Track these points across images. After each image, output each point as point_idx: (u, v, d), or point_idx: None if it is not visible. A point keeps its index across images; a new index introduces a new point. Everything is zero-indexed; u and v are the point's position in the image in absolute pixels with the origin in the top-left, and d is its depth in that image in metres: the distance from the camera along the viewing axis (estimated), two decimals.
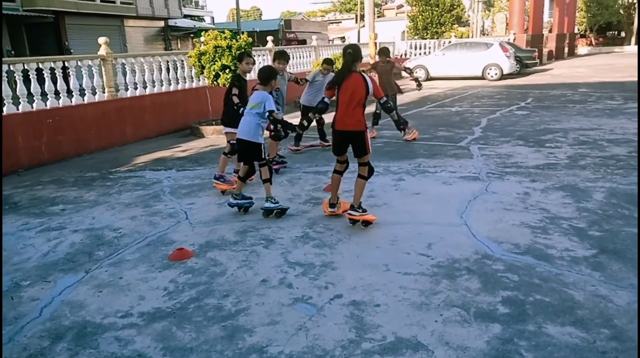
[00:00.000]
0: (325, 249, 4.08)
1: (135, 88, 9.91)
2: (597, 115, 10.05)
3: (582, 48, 43.53)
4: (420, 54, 23.99)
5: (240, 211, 5.08)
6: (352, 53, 4.49)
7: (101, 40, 9.19)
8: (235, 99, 5.47)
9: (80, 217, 5.23)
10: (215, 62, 9.79)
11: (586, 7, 45.96)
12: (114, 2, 25.18)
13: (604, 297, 3.16)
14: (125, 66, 9.80)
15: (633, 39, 46.65)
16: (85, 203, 5.76)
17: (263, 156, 4.98)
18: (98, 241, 4.51)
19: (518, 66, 19.91)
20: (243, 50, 10.03)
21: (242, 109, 5.17)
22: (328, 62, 7.73)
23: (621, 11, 47.01)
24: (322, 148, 8.00)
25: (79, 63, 8.86)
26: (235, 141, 5.21)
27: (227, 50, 9.82)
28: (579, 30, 43.88)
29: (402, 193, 5.53)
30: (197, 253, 4.12)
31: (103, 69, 9.23)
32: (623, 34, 50.46)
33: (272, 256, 3.99)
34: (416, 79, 8.90)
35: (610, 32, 51.73)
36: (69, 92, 8.66)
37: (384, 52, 8.81)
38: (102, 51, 9.18)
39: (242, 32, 11.60)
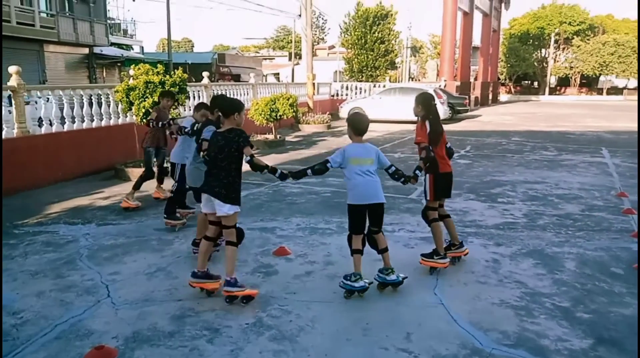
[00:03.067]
0: (285, 343, 3.35)
1: (51, 124, 8.77)
2: (537, 167, 10.13)
3: (503, 95, 46.30)
4: (352, 94, 24.20)
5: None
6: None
7: (12, 69, 8.04)
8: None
9: None
10: (146, 99, 8.91)
11: (506, 57, 49.27)
12: (32, 25, 23.38)
13: None
14: (41, 100, 8.66)
15: (547, 90, 50.41)
16: None
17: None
18: None
19: (450, 112, 20.39)
20: (178, 86, 9.29)
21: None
22: (204, 106, 5.49)
23: (535, 64, 50.82)
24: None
25: None
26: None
27: (160, 86, 9.00)
28: (499, 79, 46.71)
29: (363, 259, 4.90)
30: (122, 351, 3.24)
31: (14, 101, 8.07)
32: (536, 84, 54.52)
33: (220, 356, 3.20)
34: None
35: (526, 82, 55.76)
36: None
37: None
38: (13, 82, 8.03)
39: (177, 68, 10.80)
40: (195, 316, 3.74)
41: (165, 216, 5.86)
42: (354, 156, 4.10)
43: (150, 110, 8.86)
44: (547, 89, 50.78)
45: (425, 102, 4.60)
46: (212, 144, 3.97)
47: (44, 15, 24.71)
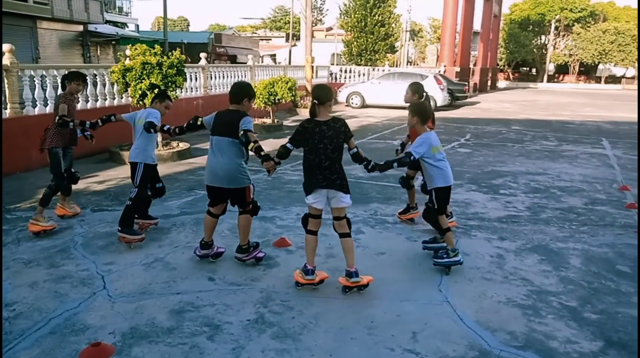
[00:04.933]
0: (288, 342, 3.25)
1: (46, 104, 8.55)
2: (538, 157, 10.02)
3: (501, 82, 46.03)
4: (350, 78, 23.91)
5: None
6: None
7: (5, 47, 7.80)
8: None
9: None
10: (143, 81, 8.72)
11: (505, 44, 48.84)
12: (26, 1, 22.82)
13: None
14: (35, 79, 8.43)
15: (545, 77, 50.13)
16: None
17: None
18: None
19: (450, 98, 20.21)
20: (175, 68, 9.05)
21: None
22: (167, 97, 5.35)
23: (535, 50, 50.44)
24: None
25: None
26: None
27: (157, 68, 8.79)
28: (498, 65, 46.38)
29: (365, 252, 4.81)
30: (119, 348, 3.13)
31: (6, 81, 7.84)
32: (534, 71, 54.20)
33: (221, 355, 3.10)
34: None
35: (524, 69, 55.42)
36: None
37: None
38: (6, 60, 7.80)
39: (175, 48, 10.54)
40: (194, 311, 3.63)
41: (119, 229, 4.71)
42: (436, 144, 4.34)
43: (148, 92, 8.64)
44: (545, 77, 50.53)
45: (420, 91, 5.27)
46: (313, 134, 3.78)
47: None
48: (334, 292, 3.98)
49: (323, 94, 3.87)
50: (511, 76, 52.77)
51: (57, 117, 5.03)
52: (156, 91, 8.65)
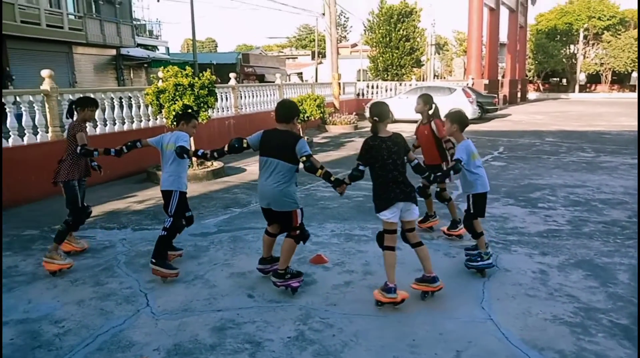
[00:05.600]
0: None
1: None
2: (576, 169, 9.80)
3: (531, 93, 45.35)
4: (377, 94, 23.94)
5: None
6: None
7: (45, 73, 8.12)
8: None
9: (13, 300, 4.15)
10: (176, 102, 8.93)
11: (533, 54, 48.23)
12: (61, 28, 23.75)
13: None
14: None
15: (576, 87, 49.20)
16: (20, 276, 4.67)
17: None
18: (34, 342, 3.47)
19: (479, 111, 20.01)
20: (206, 88, 9.24)
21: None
22: (194, 116, 5.06)
23: (564, 60, 49.64)
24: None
25: (18, 98, 7.75)
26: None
27: (189, 89, 9.00)
28: (527, 76, 45.78)
29: (403, 268, 4.74)
30: None
31: (47, 105, 8.14)
32: (564, 81, 53.27)
33: None
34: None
35: (554, 79, 54.53)
36: (5, 132, 7.51)
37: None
38: (46, 86, 8.10)
39: (205, 69, 10.77)
40: (236, 328, 3.65)
41: (153, 261, 4.44)
42: (474, 151, 4.52)
43: (176, 110, 8.74)
44: (576, 87, 49.58)
45: (430, 102, 5.70)
46: (381, 150, 3.91)
47: (72, 17, 25.08)
48: (374, 310, 3.95)
49: (383, 112, 4.01)
50: (541, 87, 51.97)
51: (79, 147, 4.73)
52: (189, 111, 8.87)
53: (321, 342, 3.46)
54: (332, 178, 4.01)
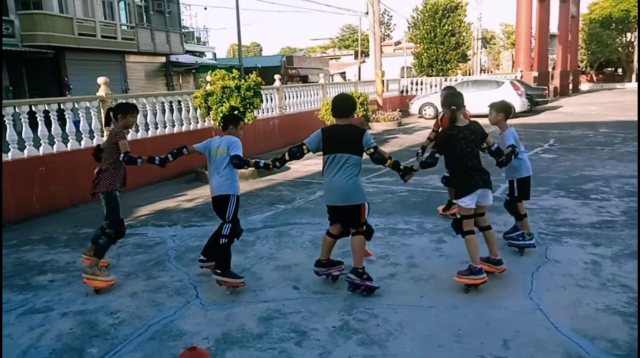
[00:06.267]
0: (374, 348, 3.26)
1: (137, 131, 9.21)
2: (631, 160, 9.36)
3: (583, 84, 43.55)
4: (422, 90, 23.62)
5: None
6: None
7: (100, 80, 8.54)
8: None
9: (71, 293, 4.40)
10: (223, 104, 9.16)
11: (586, 44, 46.28)
12: (115, 38, 24.83)
13: None
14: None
15: (633, 76, 46.85)
16: (77, 271, 4.92)
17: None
18: (91, 332, 3.67)
19: (529, 104, 19.41)
20: (252, 90, 9.44)
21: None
22: (241, 119, 4.76)
23: (620, 49, 47.37)
24: None
25: (76, 105, 8.19)
26: None
27: (236, 91, 9.22)
28: (579, 67, 43.98)
29: (447, 261, 4.73)
30: (214, 353, 3.29)
31: (102, 110, 8.55)
32: (620, 70, 50.79)
33: None
34: None
35: (609, 69, 52.12)
36: (64, 137, 7.95)
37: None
38: (102, 92, 8.52)
39: (251, 72, 10.99)
40: (282, 318, 3.73)
41: (218, 272, 4.22)
42: (518, 137, 4.70)
43: (223, 111, 8.96)
44: (633, 76, 47.14)
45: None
46: (459, 140, 4.07)
47: (125, 27, 26.17)
48: (419, 301, 3.94)
49: (460, 101, 4.20)
50: (594, 78, 49.75)
51: (122, 155, 4.44)
52: (236, 113, 9.09)
53: (366, 331, 3.49)
54: (401, 167, 4.10)
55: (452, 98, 4.22)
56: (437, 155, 4.06)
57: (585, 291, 3.98)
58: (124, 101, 5.04)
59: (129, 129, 5.13)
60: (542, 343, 3.23)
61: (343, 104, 4.15)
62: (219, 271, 4.21)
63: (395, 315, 3.70)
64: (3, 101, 7.29)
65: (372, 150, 3.98)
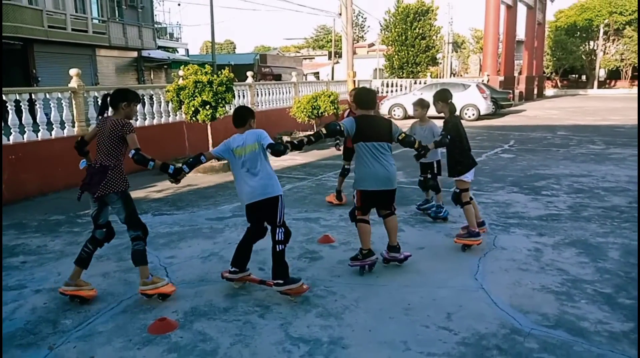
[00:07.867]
0: (331, 320, 3.57)
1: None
2: (583, 160, 9.95)
3: (548, 90, 44.98)
4: (392, 92, 24.14)
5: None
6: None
7: (73, 72, 8.62)
8: None
9: (44, 272, 4.58)
10: (195, 98, 9.34)
11: (551, 51, 47.79)
12: (86, 32, 24.54)
13: None
14: (98, 99, 9.21)
15: (595, 83, 48.61)
16: (49, 253, 5.11)
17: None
18: (65, 306, 3.87)
19: (494, 107, 20.11)
20: (224, 85, 9.64)
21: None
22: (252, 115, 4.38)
23: (583, 56, 49.07)
24: None
25: (48, 95, 8.25)
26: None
27: (208, 85, 9.41)
28: (545, 73, 45.40)
29: (405, 247, 5.04)
30: (182, 323, 3.54)
31: (74, 102, 8.64)
32: (584, 77, 52.60)
33: (271, 329, 3.45)
34: None
35: (573, 76, 53.89)
36: (35, 128, 8.01)
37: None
38: (74, 83, 8.60)
39: (223, 68, 11.19)
40: (247, 295, 4.01)
41: (280, 282, 3.85)
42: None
43: (200, 109, 9.17)
44: (595, 83, 48.99)
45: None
46: (461, 125, 5.05)
47: (96, 21, 25.87)
48: (375, 280, 4.27)
49: (450, 95, 5.08)
50: (559, 84, 51.43)
51: (132, 151, 3.86)
52: (207, 107, 9.29)
53: (324, 305, 3.80)
54: (422, 145, 4.58)
55: (444, 94, 5.09)
56: (448, 137, 4.83)
57: (526, 273, 4.38)
58: (124, 87, 4.59)
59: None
60: (482, 317, 3.59)
61: (368, 96, 4.55)
62: (281, 281, 3.85)
63: (352, 292, 4.02)
64: None
65: (403, 135, 4.41)
